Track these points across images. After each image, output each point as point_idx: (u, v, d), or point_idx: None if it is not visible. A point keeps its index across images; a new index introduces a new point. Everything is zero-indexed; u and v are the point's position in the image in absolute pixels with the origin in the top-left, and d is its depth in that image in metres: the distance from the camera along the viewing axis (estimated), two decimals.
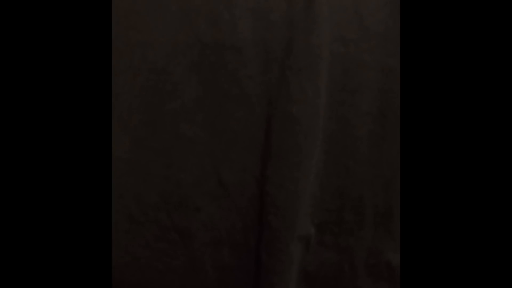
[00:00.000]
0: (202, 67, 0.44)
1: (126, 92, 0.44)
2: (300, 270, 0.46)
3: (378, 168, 0.46)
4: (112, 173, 0.43)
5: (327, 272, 0.47)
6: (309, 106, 0.43)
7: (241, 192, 0.44)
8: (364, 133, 0.45)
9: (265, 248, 0.44)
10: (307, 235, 0.46)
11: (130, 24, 0.44)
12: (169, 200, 0.44)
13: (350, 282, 0.47)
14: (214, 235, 0.44)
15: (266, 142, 0.44)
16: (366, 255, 0.47)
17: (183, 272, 0.45)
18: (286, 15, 0.44)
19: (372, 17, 0.45)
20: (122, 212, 0.44)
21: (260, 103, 0.44)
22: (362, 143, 0.45)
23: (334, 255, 0.46)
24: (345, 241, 0.46)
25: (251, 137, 0.44)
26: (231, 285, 0.45)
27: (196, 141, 0.44)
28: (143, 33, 0.44)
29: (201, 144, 0.44)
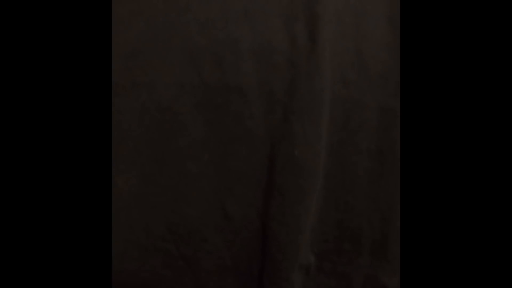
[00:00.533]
0: (207, 107, 0.45)
1: (134, 130, 0.46)
2: None
3: (376, 202, 0.47)
4: (122, 206, 0.46)
5: None
6: (310, 148, 0.45)
7: (245, 226, 0.47)
8: (363, 170, 0.47)
9: (267, 277, 0.47)
10: (307, 263, 0.48)
11: (136, 64, 0.46)
12: (177, 231, 0.47)
13: None
14: (219, 264, 0.47)
15: (269, 181, 0.45)
16: (363, 280, 0.49)
17: None
18: (289, 58, 0.45)
19: (373, 58, 0.46)
20: (132, 241, 0.47)
21: (264, 143, 0.45)
22: (360, 179, 0.47)
23: (333, 281, 0.49)
24: (344, 268, 0.49)
25: (255, 175, 0.46)
26: None
27: (202, 177, 0.46)
28: (148, 73, 0.45)
29: (206, 180, 0.46)
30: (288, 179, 0.45)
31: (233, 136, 0.45)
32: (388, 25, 0.47)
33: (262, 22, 0.45)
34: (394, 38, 0.46)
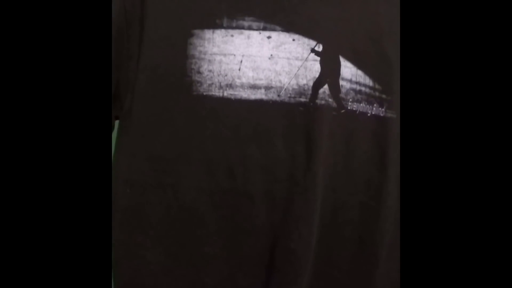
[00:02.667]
0: (221, 207, 0.55)
1: (161, 220, 0.56)
2: None
3: (356, 276, 0.58)
4: (149, 274, 0.57)
5: None
6: (304, 242, 0.55)
7: None
8: (346, 252, 0.57)
9: None
10: None
11: (162, 168, 0.55)
12: None
13: None
14: None
15: (270, 264, 0.55)
16: None
17: None
18: (289, 173, 0.54)
19: (358, 169, 0.55)
20: None
21: (267, 236, 0.55)
22: (344, 259, 0.57)
23: None
24: None
25: (260, 259, 0.56)
26: None
27: (217, 258, 0.56)
28: (172, 177, 0.55)
29: (221, 260, 0.56)
30: (285, 265, 0.55)
31: (242, 229, 0.55)
32: (372, 138, 0.55)
33: (268, 142, 0.53)
34: (377, 151, 0.55)
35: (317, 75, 0.53)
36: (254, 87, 0.53)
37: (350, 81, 0.54)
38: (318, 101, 0.53)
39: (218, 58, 0.53)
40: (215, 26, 0.53)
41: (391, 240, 0.57)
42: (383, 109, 0.55)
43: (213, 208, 0.55)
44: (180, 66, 0.53)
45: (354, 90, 0.54)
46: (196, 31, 0.54)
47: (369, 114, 0.54)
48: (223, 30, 0.53)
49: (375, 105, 0.54)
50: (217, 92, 0.53)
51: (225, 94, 0.53)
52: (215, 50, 0.53)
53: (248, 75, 0.53)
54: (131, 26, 0.55)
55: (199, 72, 0.53)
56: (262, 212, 0.55)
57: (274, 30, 0.53)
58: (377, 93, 0.54)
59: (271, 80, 0.53)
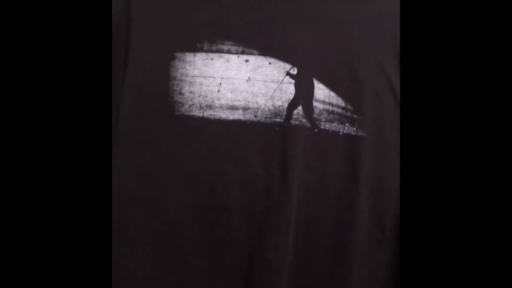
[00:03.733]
0: (202, 220, 0.58)
1: (146, 231, 0.58)
2: None
3: (330, 282, 0.60)
4: (134, 286, 0.59)
5: None
6: (280, 253, 0.58)
7: None
8: (321, 261, 0.60)
9: None
10: None
11: (146, 183, 0.58)
12: None
13: None
14: None
15: (249, 273, 0.59)
16: None
17: None
18: (265, 188, 0.57)
19: (331, 184, 0.58)
20: None
21: (245, 246, 0.58)
22: (319, 268, 0.60)
23: None
24: None
25: (239, 269, 0.59)
26: None
27: (199, 268, 0.59)
28: (157, 191, 0.58)
29: (203, 271, 0.59)
30: (262, 275, 0.58)
31: (223, 241, 0.58)
32: (345, 156, 0.58)
33: (245, 160, 0.56)
34: (347, 167, 0.58)
35: (291, 96, 0.56)
36: (232, 108, 0.56)
37: (323, 102, 0.57)
38: (292, 122, 0.56)
39: (198, 80, 0.56)
40: (196, 49, 0.56)
41: (364, 251, 0.60)
42: (354, 128, 0.57)
43: (195, 221, 0.58)
44: (163, 87, 0.56)
45: (327, 110, 0.57)
46: (178, 54, 0.56)
47: (341, 133, 0.57)
48: (203, 54, 0.56)
49: (346, 124, 0.57)
50: (197, 113, 0.56)
51: (205, 114, 0.56)
52: (196, 72, 0.56)
53: (226, 97, 0.56)
54: (117, 47, 0.58)
55: (180, 93, 0.56)
56: (241, 225, 0.58)
57: (251, 54, 0.56)
58: (348, 113, 0.57)
59: (248, 101, 0.56)
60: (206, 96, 0.56)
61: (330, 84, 0.57)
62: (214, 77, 0.56)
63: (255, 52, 0.56)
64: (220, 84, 0.56)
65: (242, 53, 0.56)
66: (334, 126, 0.57)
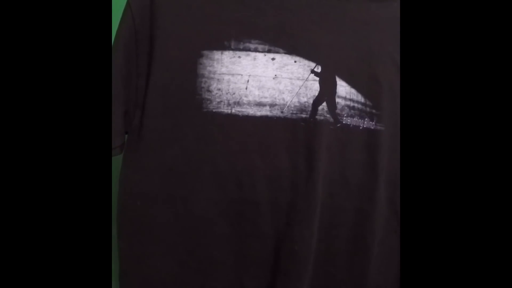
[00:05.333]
0: (229, 214, 0.59)
1: (171, 229, 0.59)
2: None
3: (351, 272, 0.63)
4: (160, 284, 0.60)
5: None
6: (306, 244, 0.60)
7: None
8: (342, 251, 0.62)
9: None
10: None
11: (172, 180, 0.59)
12: None
13: None
14: None
15: (275, 265, 0.60)
16: None
17: None
18: (292, 181, 0.59)
19: (352, 175, 0.60)
20: None
21: (272, 239, 0.60)
22: (340, 256, 0.62)
23: None
24: None
25: (265, 261, 0.60)
26: None
27: (224, 262, 0.60)
28: (183, 189, 0.59)
29: (228, 265, 0.60)
30: (289, 266, 0.60)
31: (249, 234, 0.60)
32: (364, 149, 0.61)
33: (272, 155, 0.58)
34: (367, 160, 0.60)
35: (316, 93, 0.59)
36: (259, 104, 0.58)
37: (345, 98, 0.59)
38: (317, 117, 0.58)
39: (226, 77, 0.57)
40: (223, 47, 0.57)
41: (381, 239, 0.63)
42: (373, 123, 0.60)
43: (221, 216, 0.59)
44: (190, 84, 0.57)
45: (348, 106, 0.60)
46: (206, 52, 0.57)
47: (361, 127, 0.60)
48: (231, 52, 0.58)
49: (366, 119, 0.60)
50: (225, 109, 0.57)
51: (233, 111, 0.57)
52: (223, 70, 0.57)
53: (254, 94, 0.58)
54: (140, 45, 0.58)
55: (208, 91, 0.57)
56: (267, 218, 0.59)
57: (278, 52, 0.58)
58: (368, 109, 0.60)
59: (275, 98, 0.58)
60: (234, 93, 0.57)
61: (351, 82, 0.59)
62: (241, 75, 0.58)
63: (281, 50, 0.58)
64: (248, 81, 0.58)
65: (269, 51, 0.58)
66: (355, 121, 0.60)
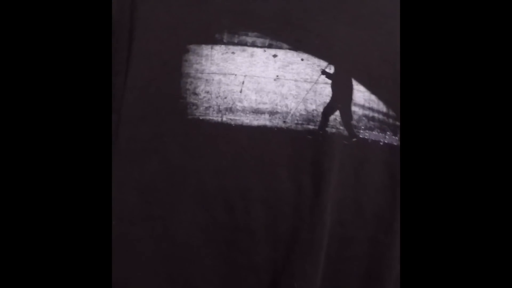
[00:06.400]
0: (218, 243, 0.51)
1: (149, 257, 0.51)
2: None
3: None
4: None
5: None
6: (309, 282, 0.51)
7: None
8: None
9: None
10: None
11: (152, 199, 0.51)
12: None
13: None
14: None
15: None
16: None
17: None
18: (294, 207, 0.50)
19: (369, 202, 0.52)
20: None
21: (267, 273, 0.51)
22: None
23: None
24: None
25: None
26: None
27: None
28: (165, 209, 0.51)
29: None
30: None
31: (241, 266, 0.51)
32: (385, 169, 0.52)
33: (271, 174, 0.49)
34: (388, 183, 0.52)
35: (328, 99, 0.50)
36: (257, 111, 0.50)
37: (363, 106, 0.51)
38: (328, 129, 0.50)
39: (217, 77, 0.50)
40: (214, 41, 0.50)
41: (398, 276, 0.54)
42: (397, 138, 0.52)
43: (209, 244, 0.51)
44: (173, 85, 0.50)
45: (366, 116, 0.51)
46: (193, 47, 0.50)
47: (381, 143, 0.51)
48: (223, 46, 0.50)
49: (388, 133, 0.52)
50: (215, 117, 0.49)
51: (224, 118, 0.49)
52: (213, 68, 0.50)
53: (250, 98, 0.50)
54: (118, 38, 0.51)
55: (195, 93, 0.50)
56: (263, 249, 0.50)
57: (280, 48, 0.50)
58: (391, 120, 0.52)
59: (276, 104, 0.50)
60: (225, 97, 0.49)
61: (371, 86, 0.51)
62: (235, 75, 0.50)
63: (285, 45, 0.50)
64: (243, 83, 0.49)
65: (270, 46, 0.50)
66: (374, 135, 0.51)
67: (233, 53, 0.49)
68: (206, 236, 0.51)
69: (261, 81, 0.50)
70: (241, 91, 0.49)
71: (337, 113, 0.50)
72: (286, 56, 0.50)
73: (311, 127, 0.50)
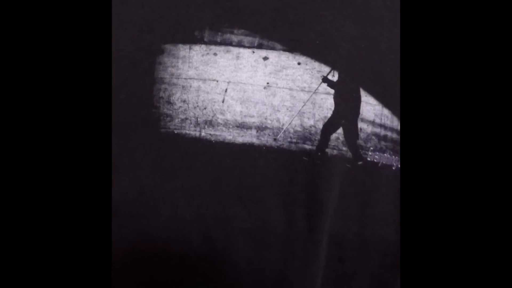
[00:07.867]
0: (194, 275, 0.45)
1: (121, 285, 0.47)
2: None
3: None
4: None
5: None
6: None
7: None
8: None
9: None
10: None
11: (122, 220, 0.45)
12: None
13: None
14: None
15: None
16: None
17: None
18: (284, 240, 0.44)
19: (373, 236, 0.47)
20: None
21: None
22: None
23: None
24: None
25: None
26: None
27: None
28: (135, 232, 0.45)
29: None
30: None
31: None
32: (396, 200, 0.45)
33: (257, 200, 0.44)
34: (396, 211, 0.46)
35: (329, 114, 0.44)
36: (242, 126, 0.44)
37: (373, 123, 0.45)
38: (328, 150, 0.44)
39: (195, 84, 0.45)
40: (193, 40, 0.45)
41: None
42: None
43: (185, 275, 0.45)
44: (145, 93, 0.45)
45: (377, 135, 0.45)
46: (168, 46, 0.45)
47: (394, 168, 0.45)
48: (203, 46, 0.45)
49: None
50: (192, 131, 0.44)
51: (203, 133, 0.44)
52: (191, 73, 0.45)
53: (234, 110, 0.44)
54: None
55: (169, 102, 0.44)
56: (247, 283, 0.45)
57: (273, 48, 0.45)
58: None
59: (265, 117, 0.44)
60: (205, 108, 0.44)
61: (383, 98, 0.45)
62: (217, 81, 0.44)
63: (278, 46, 0.45)
64: (226, 91, 0.44)
65: (259, 47, 0.45)
66: (386, 158, 0.45)
67: (215, 54, 0.44)
68: (181, 266, 0.45)
69: (248, 89, 0.44)
70: (223, 101, 0.44)
71: (340, 130, 0.44)
72: (280, 59, 0.45)
73: (307, 146, 0.44)
